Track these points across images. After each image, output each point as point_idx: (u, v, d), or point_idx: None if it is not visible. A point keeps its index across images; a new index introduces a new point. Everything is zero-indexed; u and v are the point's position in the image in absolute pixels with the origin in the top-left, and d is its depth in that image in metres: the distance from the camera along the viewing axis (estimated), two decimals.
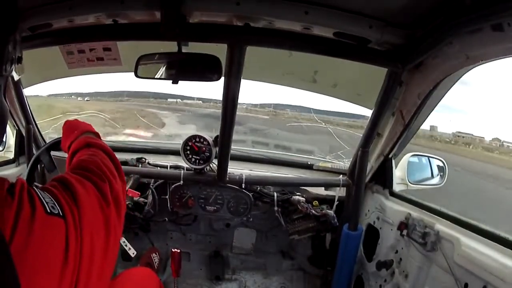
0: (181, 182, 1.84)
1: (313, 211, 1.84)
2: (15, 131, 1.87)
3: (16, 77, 1.41)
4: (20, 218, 0.51)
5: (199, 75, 1.36)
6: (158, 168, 1.92)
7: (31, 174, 1.46)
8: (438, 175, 1.95)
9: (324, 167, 2.09)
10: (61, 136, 1.37)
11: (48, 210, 0.55)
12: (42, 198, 0.56)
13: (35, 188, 0.59)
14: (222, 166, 1.76)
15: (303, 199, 1.87)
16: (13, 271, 0.46)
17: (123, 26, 1.26)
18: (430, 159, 1.96)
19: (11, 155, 1.88)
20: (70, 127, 1.10)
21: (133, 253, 1.75)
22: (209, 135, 1.82)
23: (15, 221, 0.50)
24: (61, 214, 0.56)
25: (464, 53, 1.05)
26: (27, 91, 1.74)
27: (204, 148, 1.80)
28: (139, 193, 1.76)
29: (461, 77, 1.23)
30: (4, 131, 0.62)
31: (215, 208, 1.91)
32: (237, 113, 1.53)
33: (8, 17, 0.59)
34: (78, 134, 1.03)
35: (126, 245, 1.73)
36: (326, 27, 1.16)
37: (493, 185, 9.81)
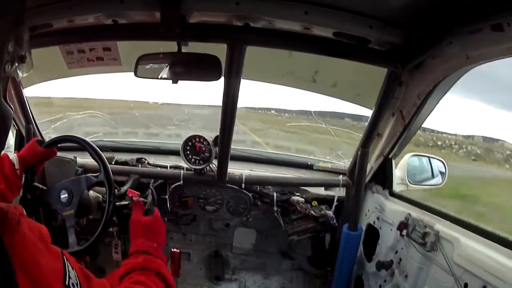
0: (181, 182, 1.84)
1: (312, 212, 1.84)
2: (15, 131, 1.86)
3: (20, 75, 1.41)
4: None
5: (199, 75, 1.36)
6: (158, 168, 1.91)
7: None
8: (438, 175, 1.94)
9: (324, 167, 2.08)
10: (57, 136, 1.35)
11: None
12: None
13: None
14: (222, 166, 1.76)
15: (302, 199, 1.87)
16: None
17: (123, 26, 1.26)
18: (430, 159, 1.96)
19: (11, 155, 1.87)
20: (152, 233, 1.12)
21: (117, 259, 1.73)
22: (209, 135, 1.82)
23: None
24: None
25: (464, 53, 1.05)
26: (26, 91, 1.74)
27: (204, 148, 1.80)
28: (139, 193, 1.76)
29: (461, 77, 1.23)
30: (7, 133, 0.58)
31: (214, 208, 1.91)
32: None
33: (10, 12, 0.52)
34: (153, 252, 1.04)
35: (116, 248, 1.71)
36: (326, 27, 1.16)
37: None
